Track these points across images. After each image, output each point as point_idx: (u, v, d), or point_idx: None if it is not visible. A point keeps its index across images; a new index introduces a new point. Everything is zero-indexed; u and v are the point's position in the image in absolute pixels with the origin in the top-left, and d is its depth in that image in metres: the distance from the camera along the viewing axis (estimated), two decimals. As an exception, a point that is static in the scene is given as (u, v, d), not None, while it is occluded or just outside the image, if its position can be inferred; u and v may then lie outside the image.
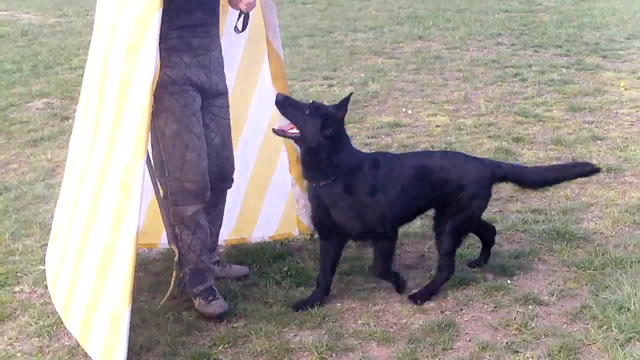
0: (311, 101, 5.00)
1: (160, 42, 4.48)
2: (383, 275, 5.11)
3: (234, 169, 5.22)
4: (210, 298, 4.91)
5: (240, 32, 5.04)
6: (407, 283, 5.16)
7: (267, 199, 5.76)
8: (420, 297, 5.04)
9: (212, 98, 4.95)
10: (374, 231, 4.91)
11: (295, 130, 4.83)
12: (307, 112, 4.82)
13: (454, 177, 5.02)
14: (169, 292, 4.84)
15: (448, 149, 7.61)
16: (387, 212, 4.90)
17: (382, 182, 4.91)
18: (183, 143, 4.74)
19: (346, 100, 4.95)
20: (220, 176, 5.13)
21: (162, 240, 5.41)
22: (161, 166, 4.79)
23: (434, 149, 7.63)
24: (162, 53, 4.63)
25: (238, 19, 5.03)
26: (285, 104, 4.87)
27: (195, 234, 4.88)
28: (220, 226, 5.34)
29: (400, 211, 4.98)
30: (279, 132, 4.91)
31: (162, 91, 4.62)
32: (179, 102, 4.72)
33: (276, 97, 4.91)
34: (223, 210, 5.31)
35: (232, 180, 5.25)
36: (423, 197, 5.04)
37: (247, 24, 5.05)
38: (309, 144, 4.83)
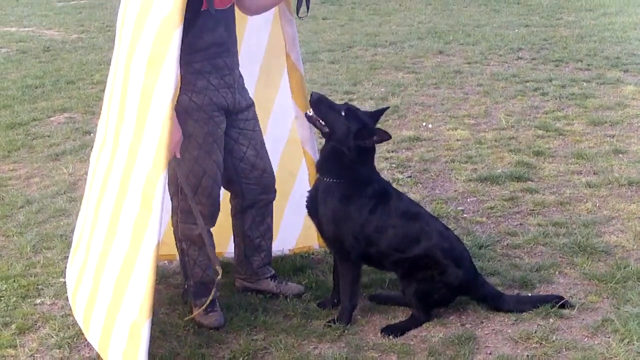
0: (345, 102, 4.99)
1: (184, 67, 4.53)
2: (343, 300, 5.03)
3: (274, 178, 5.24)
4: (209, 310, 4.94)
5: (305, 17, 5.07)
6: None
7: (287, 212, 5.76)
8: (393, 331, 4.88)
9: (236, 114, 4.97)
10: (341, 247, 4.92)
11: (324, 124, 4.88)
12: (343, 114, 4.85)
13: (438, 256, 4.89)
14: (201, 308, 4.88)
15: (468, 163, 7.61)
16: (362, 238, 4.88)
17: (376, 213, 4.90)
18: (201, 169, 4.77)
19: (381, 112, 5.03)
20: (261, 189, 5.16)
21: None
22: (175, 184, 4.81)
23: (454, 162, 7.63)
24: (187, 77, 4.65)
25: (300, 5, 5.03)
26: (319, 103, 4.89)
27: (201, 250, 4.92)
28: (270, 239, 5.38)
29: (374, 247, 4.93)
30: (310, 119, 4.93)
31: (187, 117, 4.64)
32: (203, 130, 4.75)
33: (311, 95, 4.93)
34: (271, 224, 5.34)
35: (274, 192, 5.26)
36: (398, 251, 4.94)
37: (309, 5, 5.06)
38: (337, 145, 4.86)
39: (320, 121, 4.90)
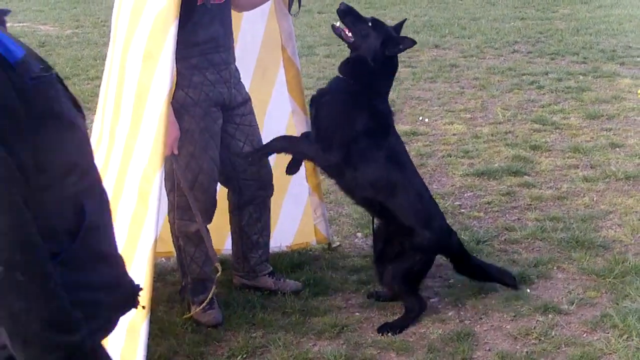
0: (371, 17, 5.04)
1: (181, 62, 4.51)
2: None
3: (271, 174, 5.22)
4: (207, 307, 4.91)
5: (296, 14, 5.11)
6: None
7: (284, 208, 5.74)
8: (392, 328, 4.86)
9: (232, 109, 4.95)
10: (326, 137, 4.88)
11: (350, 35, 4.90)
12: (370, 24, 4.89)
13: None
14: (201, 307, 4.86)
15: (465, 158, 7.60)
16: (345, 144, 4.84)
17: (368, 135, 4.89)
18: (197, 165, 4.75)
19: (401, 25, 5.09)
20: (259, 185, 5.14)
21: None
22: (171, 180, 4.79)
23: (451, 157, 7.62)
24: (184, 72, 4.63)
25: (291, 3, 5.05)
26: (347, 14, 4.91)
27: (198, 247, 4.89)
28: (268, 236, 5.36)
29: (351, 168, 4.88)
30: (337, 29, 4.94)
31: (184, 112, 4.62)
32: (199, 125, 4.72)
33: (340, 5, 4.94)
34: (269, 221, 5.32)
35: (272, 187, 5.24)
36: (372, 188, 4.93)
37: (300, 3, 5.08)
38: (363, 54, 4.87)
39: (347, 31, 4.91)
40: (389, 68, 4.99)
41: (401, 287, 4.92)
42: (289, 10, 5.07)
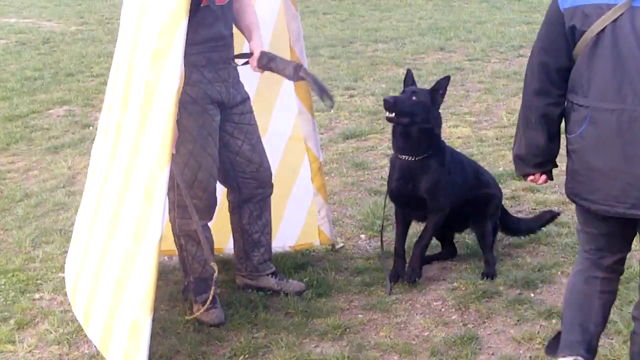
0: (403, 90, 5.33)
1: None
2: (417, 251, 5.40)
3: (270, 173, 5.21)
4: (209, 306, 4.89)
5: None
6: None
7: (288, 209, 5.73)
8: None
9: (231, 108, 4.94)
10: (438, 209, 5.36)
11: (405, 120, 5.18)
12: (414, 98, 5.19)
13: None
14: (204, 307, 4.85)
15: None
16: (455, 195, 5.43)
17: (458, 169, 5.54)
18: (196, 163, 4.74)
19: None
20: (258, 183, 5.13)
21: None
22: (171, 179, 4.77)
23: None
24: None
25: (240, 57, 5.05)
26: (395, 105, 5.15)
27: (199, 245, 4.87)
28: (270, 234, 5.34)
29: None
30: (392, 120, 5.19)
31: (182, 109, 4.59)
32: (197, 122, 4.72)
33: (385, 101, 5.14)
34: (270, 219, 5.30)
35: (271, 186, 5.24)
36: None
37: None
38: (422, 124, 5.20)
39: (402, 119, 5.15)
40: (440, 122, 5.40)
41: (490, 239, 5.58)
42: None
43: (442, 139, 5.45)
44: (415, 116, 5.16)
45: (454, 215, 5.47)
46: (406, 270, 5.36)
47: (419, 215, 5.50)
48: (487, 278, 5.36)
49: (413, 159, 5.25)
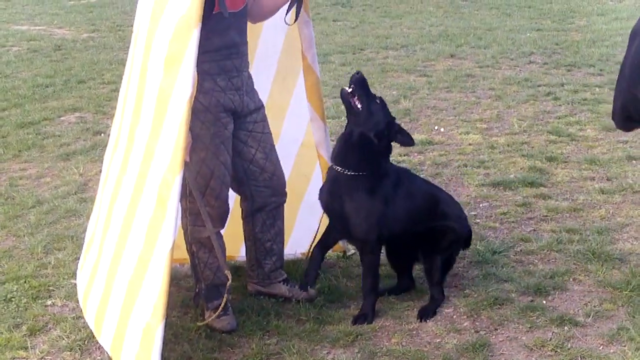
0: (379, 96, 5.11)
1: None
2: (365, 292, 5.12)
3: (284, 181, 5.22)
4: (221, 313, 4.90)
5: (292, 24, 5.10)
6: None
7: (300, 216, 5.73)
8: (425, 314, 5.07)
9: (244, 116, 4.94)
10: (366, 240, 5.02)
11: (359, 105, 4.93)
12: (379, 101, 4.97)
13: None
14: (216, 314, 4.86)
15: (481, 168, 7.57)
16: (388, 227, 5.02)
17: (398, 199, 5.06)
18: (209, 170, 4.75)
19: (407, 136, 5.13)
20: (271, 191, 5.14)
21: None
22: (183, 186, 4.78)
23: (466, 167, 7.60)
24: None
25: (288, 11, 5.03)
26: (361, 84, 4.95)
27: (211, 252, 4.89)
28: (282, 243, 5.35)
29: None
30: (346, 95, 4.97)
31: (194, 118, 4.60)
32: (210, 131, 4.73)
33: (357, 73, 5.00)
34: (282, 227, 5.31)
35: (285, 195, 5.24)
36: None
37: (299, 14, 5.06)
38: (365, 131, 4.92)
39: (356, 100, 4.93)
40: (388, 150, 5.08)
41: (439, 278, 5.16)
42: (285, 20, 5.06)
43: (390, 163, 5.18)
44: (371, 116, 4.93)
45: (405, 245, 5.21)
46: (358, 314, 5.05)
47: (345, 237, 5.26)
48: (420, 318, 5.01)
49: (343, 172, 4.96)
